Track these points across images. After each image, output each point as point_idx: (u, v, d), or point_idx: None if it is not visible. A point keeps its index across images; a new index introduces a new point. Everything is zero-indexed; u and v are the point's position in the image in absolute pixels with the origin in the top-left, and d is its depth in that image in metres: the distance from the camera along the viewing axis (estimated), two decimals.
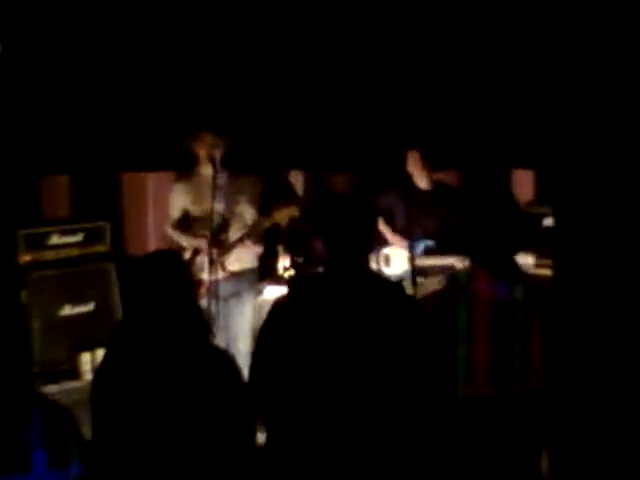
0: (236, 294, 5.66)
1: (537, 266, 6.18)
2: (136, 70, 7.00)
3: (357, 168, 7.79)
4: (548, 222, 6.39)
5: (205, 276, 5.47)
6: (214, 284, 5.48)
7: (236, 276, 5.63)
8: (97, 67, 6.77)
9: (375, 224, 3.10)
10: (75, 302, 6.02)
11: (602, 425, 2.30)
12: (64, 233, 6.13)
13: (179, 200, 5.77)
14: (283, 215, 5.52)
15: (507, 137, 7.73)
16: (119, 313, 5.98)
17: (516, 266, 3.22)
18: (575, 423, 2.31)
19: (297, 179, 7.03)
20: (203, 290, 5.45)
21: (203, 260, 5.51)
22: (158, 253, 3.10)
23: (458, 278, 3.22)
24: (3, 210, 6.03)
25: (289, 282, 6.13)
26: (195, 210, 5.69)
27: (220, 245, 5.55)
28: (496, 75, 7.75)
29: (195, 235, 5.65)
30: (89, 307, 6.09)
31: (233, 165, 5.72)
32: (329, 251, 3.01)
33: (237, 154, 5.77)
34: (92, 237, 6.25)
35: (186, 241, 5.68)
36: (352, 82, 8.19)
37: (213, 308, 5.51)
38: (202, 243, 5.54)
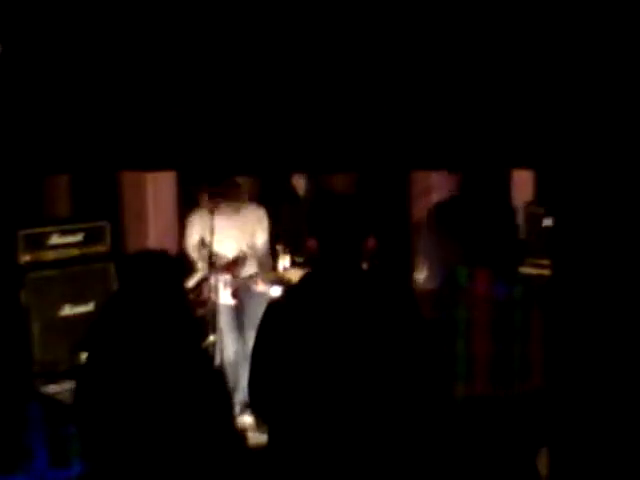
0: (247, 291, 5.79)
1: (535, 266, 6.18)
2: (136, 70, 7.00)
3: (357, 168, 7.80)
4: (548, 222, 6.39)
5: (213, 297, 5.68)
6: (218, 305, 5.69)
7: (245, 279, 5.80)
8: (97, 67, 6.77)
9: (371, 225, 3.10)
10: (75, 302, 6.03)
11: (602, 425, 2.30)
12: (64, 233, 6.13)
13: (195, 232, 5.87)
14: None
15: (507, 137, 7.72)
16: None
17: (515, 266, 3.22)
18: (575, 423, 2.31)
19: (299, 182, 7.13)
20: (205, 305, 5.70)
21: (216, 282, 5.70)
22: (147, 253, 3.03)
23: (457, 278, 3.21)
24: (3, 210, 6.03)
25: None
26: (212, 242, 5.78)
27: (235, 276, 5.74)
28: (496, 75, 7.75)
29: (213, 264, 5.77)
30: (89, 307, 6.09)
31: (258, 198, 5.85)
32: (323, 250, 3.02)
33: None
34: (92, 237, 6.26)
35: (206, 267, 5.79)
36: (352, 82, 8.19)
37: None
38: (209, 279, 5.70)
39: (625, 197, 2.18)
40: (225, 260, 5.74)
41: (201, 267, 5.83)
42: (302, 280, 3.20)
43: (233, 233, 5.73)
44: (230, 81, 7.52)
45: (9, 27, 6.16)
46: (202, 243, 5.79)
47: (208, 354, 3.13)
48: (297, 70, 7.38)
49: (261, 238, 5.82)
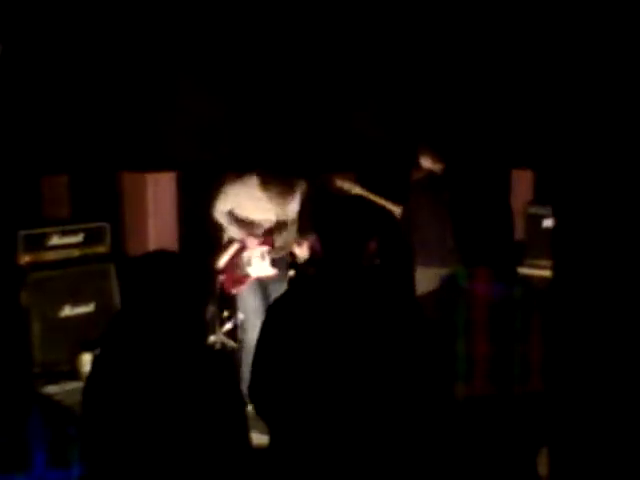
0: (273, 278, 5.84)
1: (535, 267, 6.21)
2: (136, 71, 7.00)
3: (357, 168, 7.81)
4: (548, 222, 6.40)
5: (250, 271, 5.74)
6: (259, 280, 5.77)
7: (274, 261, 5.84)
8: (97, 68, 6.78)
9: (374, 225, 3.11)
10: (75, 302, 6.04)
11: (602, 425, 2.30)
12: (64, 234, 6.14)
13: (229, 201, 5.82)
14: None
15: (507, 137, 7.74)
16: None
17: (514, 266, 3.22)
18: (575, 423, 2.31)
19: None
20: (247, 283, 5.74)
21: (250, 255, 5.75)
22: (154, 253, 3.03)
23: (457, 279, 3.21)
24: (3, 210, 6.03)
25: (289, 282, 6.17)
26: (243, 212, 5.79)
27: (269, 244, 5.77)
28: (496, 76, 7.76)
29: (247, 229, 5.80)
30: (89, 307, 6.10)
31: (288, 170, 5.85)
32: (326, 251, 3.02)
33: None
34: (92, 237, 6.26)
35: (237, 232, 5.80)
36: (352, 81, 8.20)
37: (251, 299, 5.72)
38: (250, 239, 5.74)
39: (626, 197, 2.18)
40: (262, 229, 5.76)
41: (233, 237, 5.84)
42: (304, 281, 3.20)
43: (269, 206, 5.73)
44: (229, 81, 7.52)
45: (9, 27, 6.16)
46: (232, 213, 5.79)
47: (217, 355, 3.12)
48: (295, 71, 7.35)
49: (293, 205, 5.81)
